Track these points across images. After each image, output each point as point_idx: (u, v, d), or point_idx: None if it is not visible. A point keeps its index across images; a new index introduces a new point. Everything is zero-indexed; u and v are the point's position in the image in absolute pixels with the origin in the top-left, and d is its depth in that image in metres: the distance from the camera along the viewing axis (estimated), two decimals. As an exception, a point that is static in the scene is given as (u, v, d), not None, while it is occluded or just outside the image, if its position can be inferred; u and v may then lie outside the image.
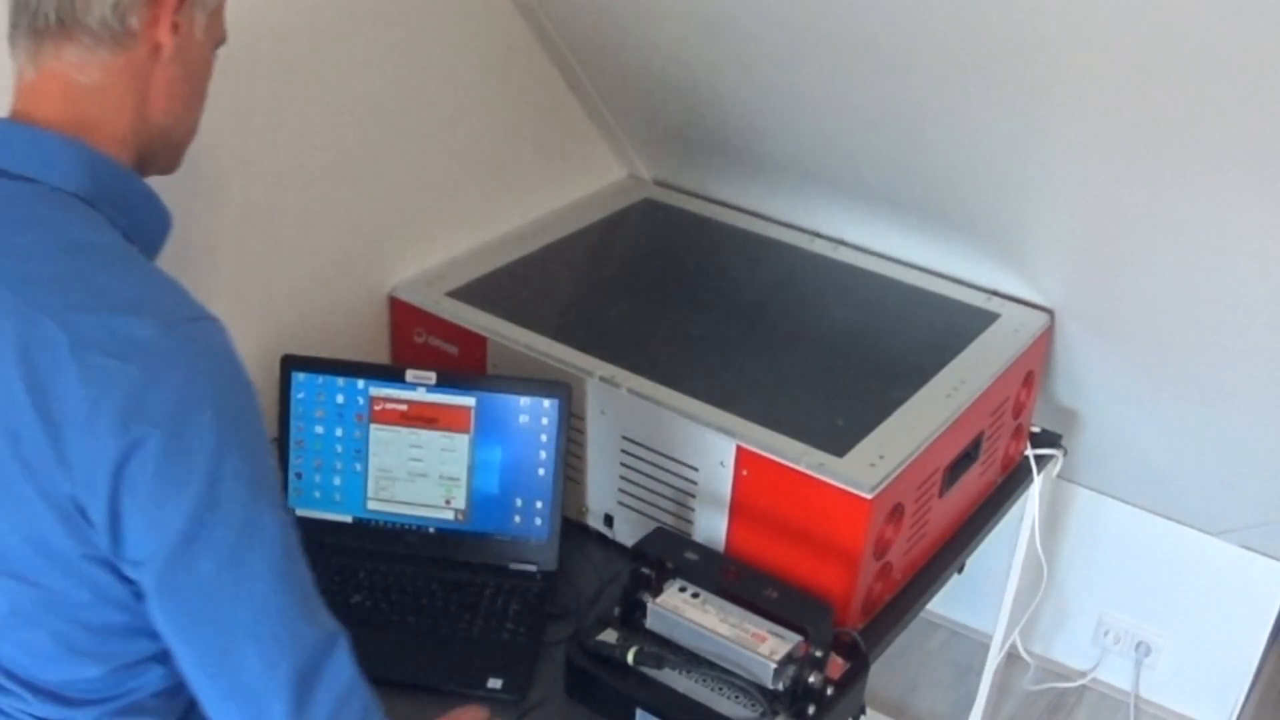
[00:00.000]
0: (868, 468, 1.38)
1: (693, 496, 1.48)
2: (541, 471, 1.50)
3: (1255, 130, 1.27)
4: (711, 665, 1.31)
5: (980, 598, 2.08)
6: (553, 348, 1.58)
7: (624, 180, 2.13)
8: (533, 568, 1.51)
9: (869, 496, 1.35)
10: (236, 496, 0.91)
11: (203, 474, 0.90)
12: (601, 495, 1.58)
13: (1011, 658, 2.18)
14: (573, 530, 1.58)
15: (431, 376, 1.49)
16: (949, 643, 2.32)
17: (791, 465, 1.39)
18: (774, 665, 1.28)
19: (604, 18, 1.72)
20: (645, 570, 1.39)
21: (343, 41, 1.53)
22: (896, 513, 1.43)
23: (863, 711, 1.42)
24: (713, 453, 1.44)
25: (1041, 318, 1.74)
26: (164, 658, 1.00)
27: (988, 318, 1.72)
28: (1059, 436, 1.84)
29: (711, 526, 1.48)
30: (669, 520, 1.52)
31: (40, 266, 0.93)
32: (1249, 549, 1.95)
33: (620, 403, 1.50)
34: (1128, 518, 2.05)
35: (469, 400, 1.49)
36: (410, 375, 1.50)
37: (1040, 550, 1.85)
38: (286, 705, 0.95)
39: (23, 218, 0.95)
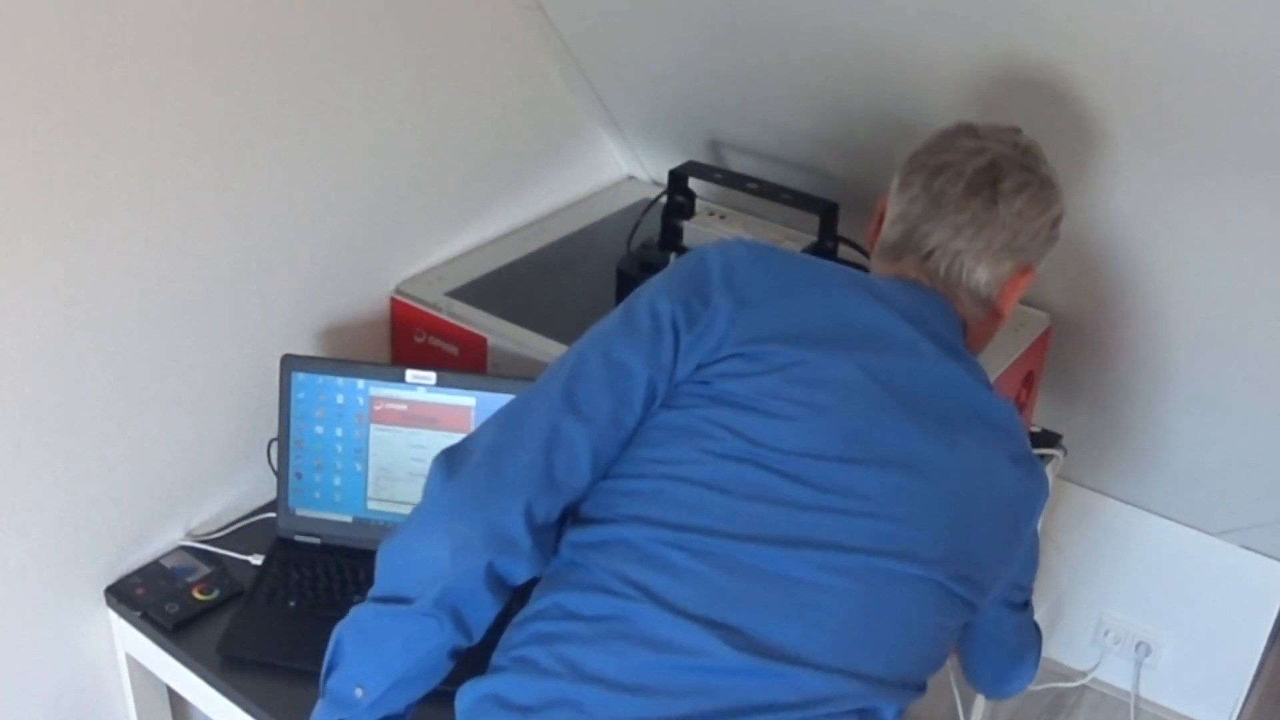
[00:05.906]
0: (868, 468, 1.37)
1: (693, 496, 1.48)
2: (541, 471, 1.49)
3: (1253, 132, 1.27)
4: None
5: (980, 598, 2.07)
6: (553, 348, 1.58)
7: (624, 180, 2.13)
8: (533, 568, 1.50)
9: (869, 496, 1.34)
10: None
11: None
12: (601, 495, 1.57)
13: (1011, 658, 2.18)
14: (573, 530, 1.58)
15: (431, 377, 1.49)
16: (949, 643, 2.31)
17: (791, 465, 1.38)
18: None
19: (605, 18, 1.72)
20: (680, 198, 1.70)
21: (344, 42, 1.53)
22: (896, 513, 1.43)
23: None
24: (713, 453, 1.44)
25: (1041, 318, 1.74)
26: None
27: (988, 318, 1.72)
28: (1059, 436, 1.84)
29: (711, 526, 1.47)
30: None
31: None
32: (1249, 549, 1.95)
33: (620, 403, 1.49)
34: (1128, 518, 2.05)
35: (469, 400, 1.49)
36: (410, 375, 1.50)
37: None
38: None
39: None
